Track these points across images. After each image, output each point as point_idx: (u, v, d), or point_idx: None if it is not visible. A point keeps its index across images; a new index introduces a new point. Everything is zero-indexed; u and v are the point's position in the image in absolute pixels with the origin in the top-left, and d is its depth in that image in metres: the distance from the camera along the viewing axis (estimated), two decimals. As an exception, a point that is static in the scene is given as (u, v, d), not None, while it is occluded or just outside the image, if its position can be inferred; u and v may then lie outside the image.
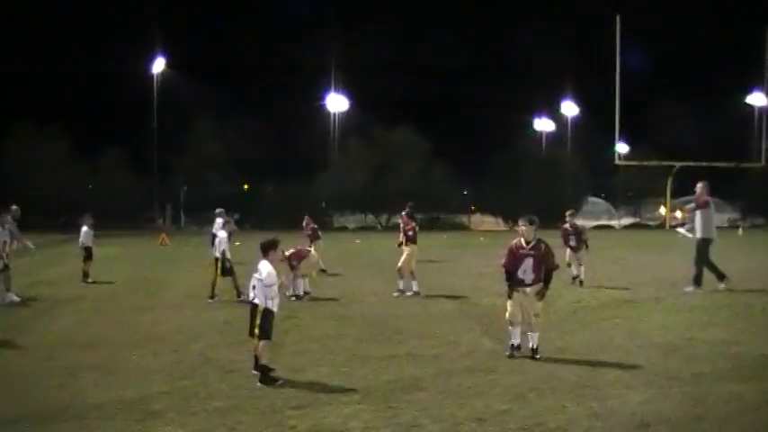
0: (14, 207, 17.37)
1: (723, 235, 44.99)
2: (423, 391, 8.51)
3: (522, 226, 10.35)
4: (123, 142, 55.63)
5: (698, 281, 17.10)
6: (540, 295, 10.06)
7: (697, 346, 10.99)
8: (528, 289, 10.06)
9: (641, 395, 8.32)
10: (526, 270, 10.05)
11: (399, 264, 16.84)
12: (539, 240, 10.16)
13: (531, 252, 10.06)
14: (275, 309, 9.08)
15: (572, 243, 18.56)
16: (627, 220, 64.18)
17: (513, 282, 10.15)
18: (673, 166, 56.88)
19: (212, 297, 15.87)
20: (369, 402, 8.04)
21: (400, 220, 17.65)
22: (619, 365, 9.71)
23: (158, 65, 55.71)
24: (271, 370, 8.99)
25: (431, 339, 11.53)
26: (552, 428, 7.19)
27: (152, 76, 56.52)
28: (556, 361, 9.97)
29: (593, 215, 66.75)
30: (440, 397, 8.24)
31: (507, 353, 10.10)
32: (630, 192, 65.34)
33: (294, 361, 9.98)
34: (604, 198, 70.61)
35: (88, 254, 19.90)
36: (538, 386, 8.67)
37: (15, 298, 15.75)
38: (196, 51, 68.00)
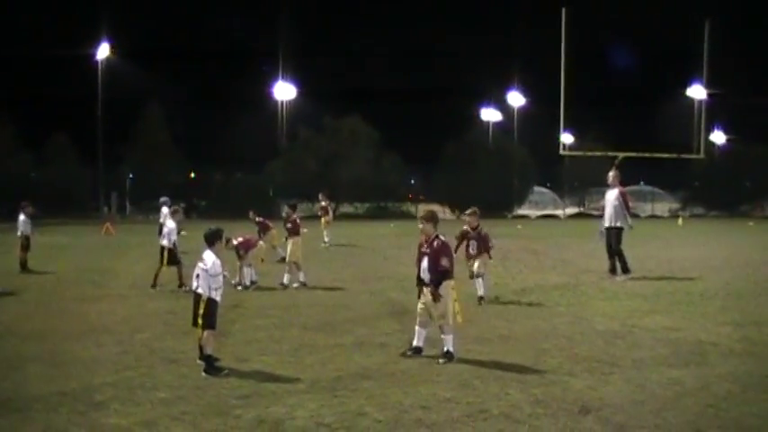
0: None
1: (664, 225, 45.96)
2: (369, 379, 8.56)
3: (419, 223, 9.99)
4: (70, 130, 54.46)
5: (625, 268, 17.73)
6: (433, 297, 9.41)
7: (638, 332, 11.26)
8: (426, 289, 9.56)
9: (583, 381, 8.49)
10: (424, 269, 9.58)
11: (287, 257, 16.75)
12: (436, 237, 9.64)
13: (428, 251, 9.60)
14: (218, 298, 9.04)
15: (471, 250, 14.13)
16: (572, 210, 65.11)
17: (418, 281, 9.74)
18: (616, 157, 57.62)
19: (154, 286, 15.78)
20: (315, 391, 8.06)
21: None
22: (562, 353, 9.90)
23: (103, 51, 54.54)
24: (216, 360, 8.95)
25: (377, 328, 11.59)
26: (496, 415, 7.30)
27: (97, 62, 55.36)
28: (500, 349, 10.11)
29: (538, 205, 67.70)
30: (386, 385, 8.30)
31: (401, 351, 9.75)
32: (575, 182, 66.22)
33: (240, 351, 9.95)
34: (550, 188, 71.49)
35: (27, 243, 19.50)
36: (482, 374, 8.79)
37: None
38: (145, 38, 67.02)
